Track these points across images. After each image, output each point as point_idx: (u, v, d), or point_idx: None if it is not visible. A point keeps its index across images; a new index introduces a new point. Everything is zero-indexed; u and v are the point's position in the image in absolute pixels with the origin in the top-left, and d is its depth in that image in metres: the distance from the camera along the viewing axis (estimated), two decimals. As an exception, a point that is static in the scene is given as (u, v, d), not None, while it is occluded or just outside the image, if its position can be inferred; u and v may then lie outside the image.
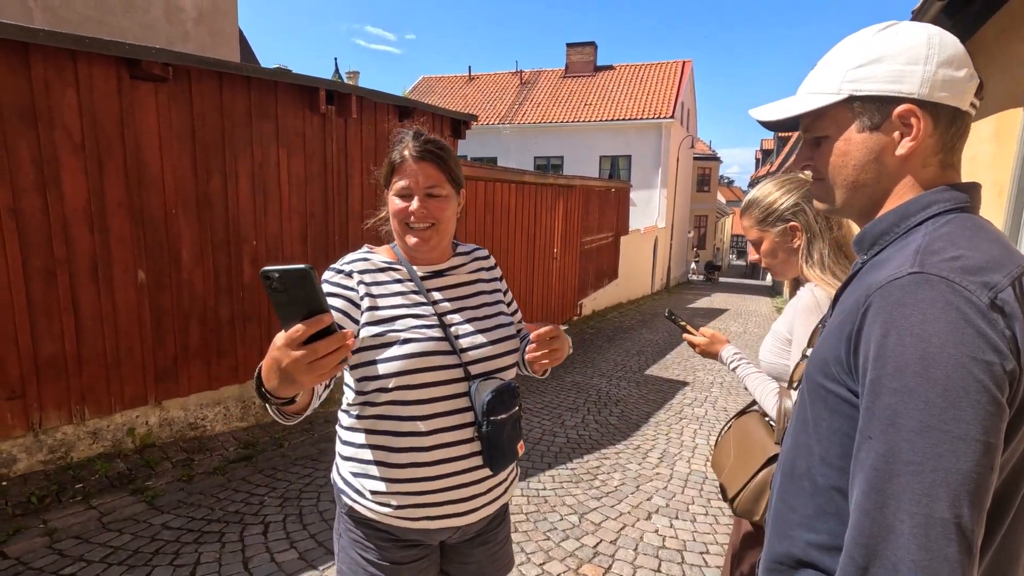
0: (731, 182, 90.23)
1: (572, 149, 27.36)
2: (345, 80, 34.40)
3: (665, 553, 4.10)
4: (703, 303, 20.44)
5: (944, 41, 1.07)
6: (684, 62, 29.04)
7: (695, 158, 37.74)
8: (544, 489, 4.97)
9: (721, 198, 68.19)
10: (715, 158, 43.27)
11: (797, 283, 2.33)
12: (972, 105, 1.10)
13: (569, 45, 30.55)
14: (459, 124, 8.25)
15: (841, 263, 2.11)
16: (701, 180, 42.13)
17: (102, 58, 4.59)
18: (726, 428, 2.39)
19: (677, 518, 4.60)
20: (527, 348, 1.67)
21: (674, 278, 28.92)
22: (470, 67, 34.19)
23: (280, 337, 1.23)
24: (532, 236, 11.19)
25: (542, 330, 1.65)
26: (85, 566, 3.62)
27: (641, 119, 26.01)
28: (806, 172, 1.29)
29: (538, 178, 11.58)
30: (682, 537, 4.32)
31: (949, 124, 1.09)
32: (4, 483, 4.36)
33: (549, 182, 11.96)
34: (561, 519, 4.49)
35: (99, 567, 3.62)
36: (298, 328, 1.20)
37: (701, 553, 4.11)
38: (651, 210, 26.00)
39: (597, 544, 4.18)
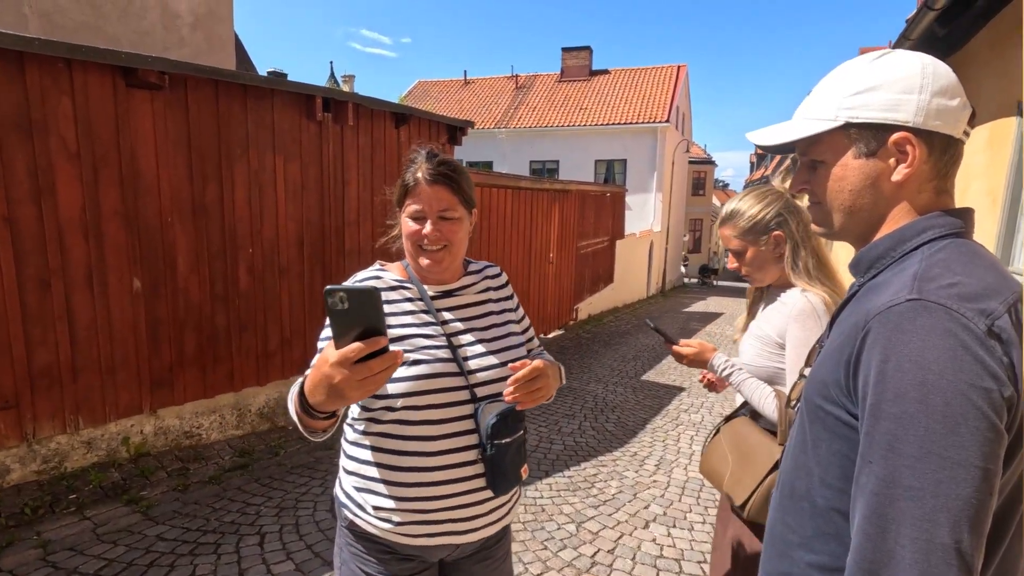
0: (726, 185, 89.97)
1: (568, 153, 27.43)
2: (341, 84, 34.42)
3: (663, 563, 4.10)
4: (698, 307, 20.47)
5: (938, 71, 1.10)
6: (679, 66, 29.21)
7: (690, 162, 37.86)
8: (541, 498, 4.96)
9: (716, 202, 68.10)
10: (710, 162, 43.46)
11: (761, 291, 2.50)
12: (964, 133, 1.12)
13: (564, 49, 30.72)
14: (455, 130, 8.25)
15: (823, 270, 2.23)
16: (696, 184, 42.28)
17: (97, 66, 4.57)
18: (713, 434, 2.44)
19: (675, 526, 4.60)
20: (504, 390, 1.66)
21: (670, 282, 28.98)
22: (466, 71, 34.52)
23: (333, 354, 1.28)
24: (528, 241, 11.20)
25: (520, 373, 1.64)
26: (79, 579, 3.60)
27: (636, 123, 26.12)
28: (803, 195, 1.32)
29: (534, 183, 11.61)
30: (680, 546, 4.32)
31: (943, 152, 1.12)
32: (-3, 494, 4.34)
33: (545, 187, 11.99)
34: (558, 528, 4.48)
35: (94, 580, 3.60)
36: (356, 347, 1.27)
37: (699, 562, 4.10)
38: (646, 214, 26.07)
39: (595, 554, 4.17)
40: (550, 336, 12.41)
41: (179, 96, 5.10)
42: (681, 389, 8.76)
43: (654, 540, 4.39)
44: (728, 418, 2.43)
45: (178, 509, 4.45)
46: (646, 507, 4.88)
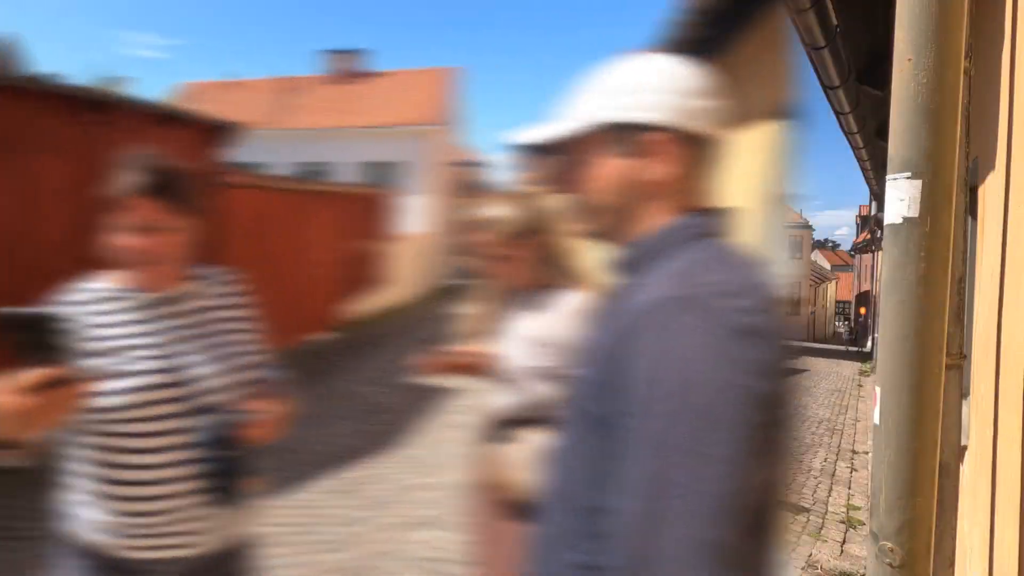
0: (837, 246, 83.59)
1: (338, 155, 26.77)
2: (111, 87, 32.43)
3: (432, 565, 4.19)
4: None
5: (694, 73, 1.16)
6: (452, 68, 29.90)
7: (459, 164, 38.88)
8: (311, 501, 4.95)
9: (825, 263, 65.61)
10: (479, 164, 44.53)
11: (506, 294, 2.53)
12: (719, 133, 1.18)
13: (333, 51, 30.55)
14: (223, 131, 8.57)
15: (579, 271, 2.37)
16: (468, 186, 43.22)
17: None
18: (494, 442, 2.37)
19: (444, 530, 4.62)
20: (244, 432, 1.70)
21: (438, 283, 29.62)
22: (235, 72, 33.30)
23: (7, 383, 1.26)
24: (295, 242, 11.24)
25: (261, 418, 1.73)
26: None
27: (406, 125, 26.38)
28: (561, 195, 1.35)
29: (300, 184, 12.21)
30: (450, 548, 4.27)
31: (699, 151, 1.16)
32: None
33: (311, 188, 12.42)
34: (327, 531, 4.48)
35: None
36: (30, 376, 1.25)
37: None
38: (417, 216, 26.59)
39: (363, 556, 4.19)
40: (318, 338, 12.28)
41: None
42: (451, 391, 8.44)
43: (425, 542, 4.47)
44: (510, 424, 2.34)
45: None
46: (416, 510, 4.94)
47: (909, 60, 1.57)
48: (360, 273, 15.64)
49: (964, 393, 2.79)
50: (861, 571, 4.48)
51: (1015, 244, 1.91)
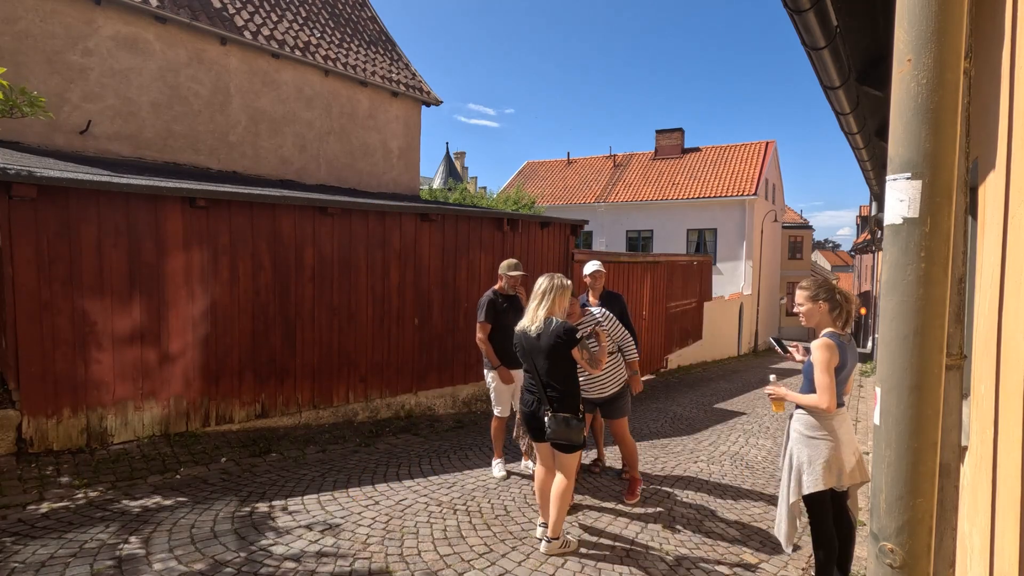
0: (837, 246, 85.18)
1: (661, 224, 28.98)
2: (453, 159, 37.31)
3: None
4: (786, 365, 20.81)
5: None
6: (767, 142, 30.96)
7: (785, 227, 38.24)
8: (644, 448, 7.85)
9: (826, 263, 65.56)
10: (807, 227, 43.36)
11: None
12: None
13: (658, 131, 33.06)
14: (576, 227, 12.04)
15: None
16: (793, 247, 42.48)
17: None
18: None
19: (706, 463, 7.36)
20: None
21: (764, 342, 29.31)
22: (568, 152, 37.62)
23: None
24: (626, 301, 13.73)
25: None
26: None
27: (725, 196, 27.76)
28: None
29: (630, 257, 15.23)
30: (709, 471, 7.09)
31: None
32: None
33: (638, 260, 15.14)
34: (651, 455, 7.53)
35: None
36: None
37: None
38: (737, 278, 27.07)
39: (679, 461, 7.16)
40: (643, 379, 13.85)
41: (440, 222, 9.61)
42: (743, 413, 11.11)
43: (700, 469, 7.08)
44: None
45: (436, 441, 7.86)
46: (692, 463, 7.29)
47: (909, 60, 1.60)
48: (680, 328, 17.97)
49: (964, 393, 2.87)
50: (861, 571, 4.54)
51: (1015, 244, 1.88)
